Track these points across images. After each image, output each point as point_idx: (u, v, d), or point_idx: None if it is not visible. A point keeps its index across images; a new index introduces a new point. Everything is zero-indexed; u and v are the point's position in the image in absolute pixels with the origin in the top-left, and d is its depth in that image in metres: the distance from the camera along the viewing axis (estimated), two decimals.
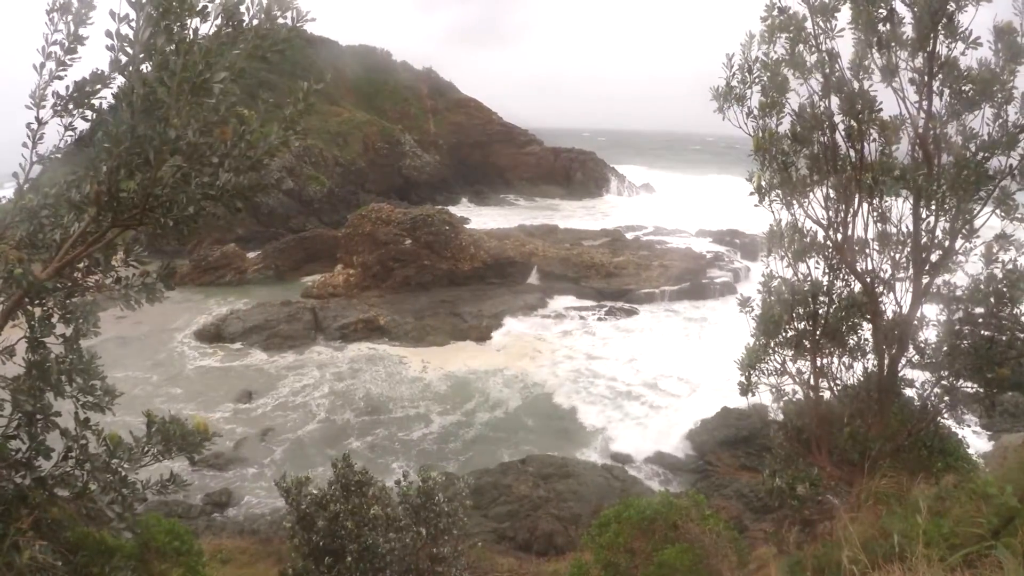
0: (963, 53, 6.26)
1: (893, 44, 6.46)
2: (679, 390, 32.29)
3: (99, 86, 3.15)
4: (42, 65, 3.12)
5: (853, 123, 6.75)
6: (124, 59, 2.94)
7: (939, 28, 6.18)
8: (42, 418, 3.28)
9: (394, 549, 8.18)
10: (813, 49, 6.73)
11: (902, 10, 6.43)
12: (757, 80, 7.04)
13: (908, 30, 6.43)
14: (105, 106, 3.19)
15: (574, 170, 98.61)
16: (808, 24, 6.74)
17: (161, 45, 2.84)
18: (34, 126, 3.18)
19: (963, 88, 6.30)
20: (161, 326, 39.42)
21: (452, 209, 63.27)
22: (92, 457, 3.36)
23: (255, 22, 2.95)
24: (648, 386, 32.93)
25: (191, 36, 2.89)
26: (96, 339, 3.57)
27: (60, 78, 3.16)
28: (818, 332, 7.72)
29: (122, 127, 2.89)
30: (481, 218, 71.45)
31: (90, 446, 3.40)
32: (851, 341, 7.78)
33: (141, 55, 2.89)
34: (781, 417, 8.50)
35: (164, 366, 35.32)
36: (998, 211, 6.43)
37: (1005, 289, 6.44)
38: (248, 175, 3.06)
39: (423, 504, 8.69)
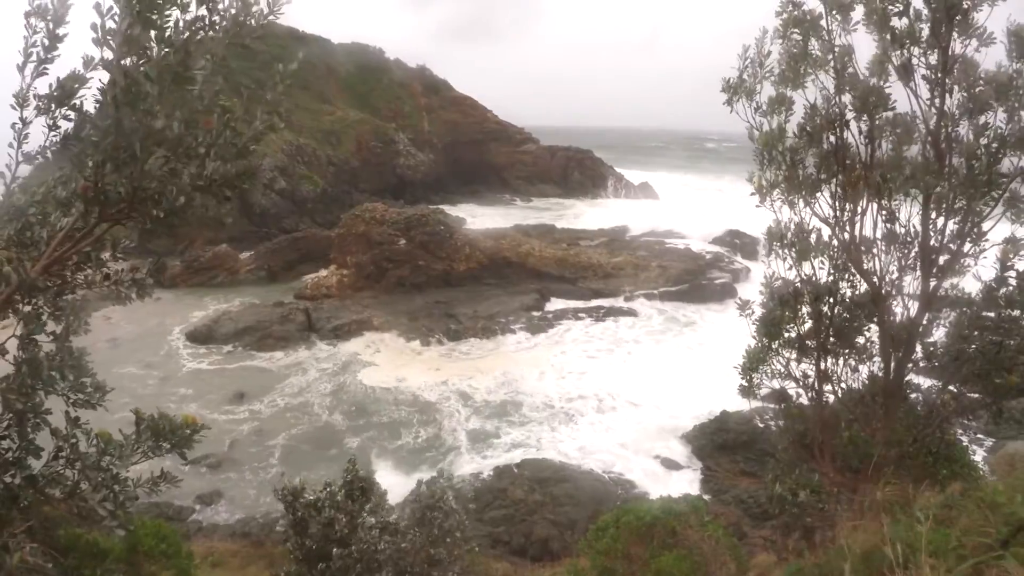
0: (977, 51, 6.19)
1: (907, 41, 6.37)
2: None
3: (77, 85, 3.14)
4: (23, 65, 3.10)
5: (865, 120, 6.67)
6: (108, 54, 2.93)
7: (954, 24, 6.09)
8: (32, 416, 3.21)
9: (390, 556, 8.08)
10: (827, 44, 6.65)
11: (918, 4, 6.35)
12: (768, 75, 6.95)
13: (923, 27, 6.36)
14: (88, 104, 3.19)
15: (571, 169, 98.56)
16: (823, 20, 6.69)
17: (139, 36, 2.78)
18: (18, 126, 3.16)
19: (977, 88, 6.23)
20: (152, 328, 39.20)
21: (447, 209, 63.05)
22: (83, 456, 3.30)
23: (232, 11, 2.92)
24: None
25: (171, 26, 2.84)
26: (87, 342, 3.52)
27: (45, 74, 3.14)
28: (823, 333, 7.62)
29: (107, 121, 2.87)
30: (477, 218, 71.19)
31: (80, 445, 3.34)
32: (857, 342, 7.67)
33: (123, 48, 2.84)
34: (776, 422, 8.41)
35: (156, 368, 35.05)
36: (1008, 214, 6.34)
37: (1017, 294, 6.36)
38: (236, 163, 3.00)
39: (431, 505, 8.61)
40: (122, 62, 2.82)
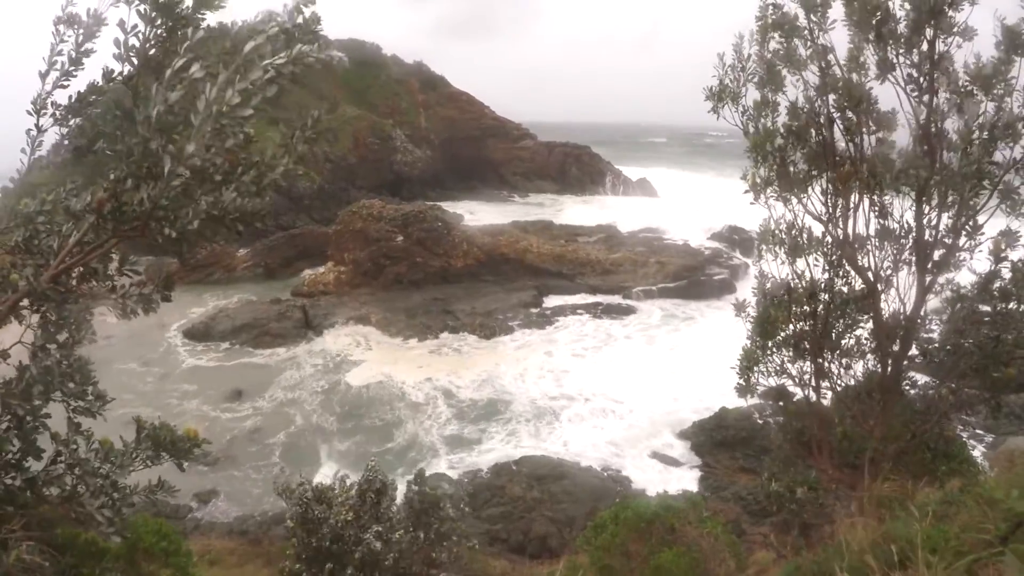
0: (959, 46, 6.24)
1: (890, 41, 6.43)
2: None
3: (95, 97, 3.14)
4: (46, 73, 3.08)
5: (851, 116, 6.70)
6: (128, 69, 2.91)
7: (932, 22, 6.14)
8: (31, 421, 3.20)
9: (392, 553, 8.08)
10: (808, 44, 6.69)
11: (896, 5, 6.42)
12: (751, 78, 6.99)
13: (902, 27, 6.42)
14: (104, 116, 3.17)
15: (569, 165, 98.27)
16: (801, 20, 6.73)
17: (190, 69, 2.78)
18: (33, 133, 3.16)
19: (962, 84, 6.27)
20: (149, 325, 39.00)
21: (445, 205, 62.92)
22: (82, 461, 3.29)
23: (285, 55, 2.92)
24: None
25: (221, 66, 2.84)
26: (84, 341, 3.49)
27: (64, 87, 3.13)
28: (818, 332, 7.62)
29: (135, 141, 2.84)
30: (474, 214, 71.14)
31: (80, 451, 3.33)
32: (850, 341, 7.68)
33: (172, 81, 2.84)
34: (774, 419, 8.41)
35: (155, 365, 35.05)
36: (1003, 206, 6.36)
37: (1012, 287, 6.37)
38: (252, 200, 3.02)
39: (424, 510, 8.59)
40: (165, 87, 2.82)
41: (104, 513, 3.21)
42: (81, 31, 3.03)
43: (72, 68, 3.09)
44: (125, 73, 2.95)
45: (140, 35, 2.85)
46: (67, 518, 3.31)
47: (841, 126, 6.89)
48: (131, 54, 2.86)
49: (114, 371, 31.63)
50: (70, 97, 3.13)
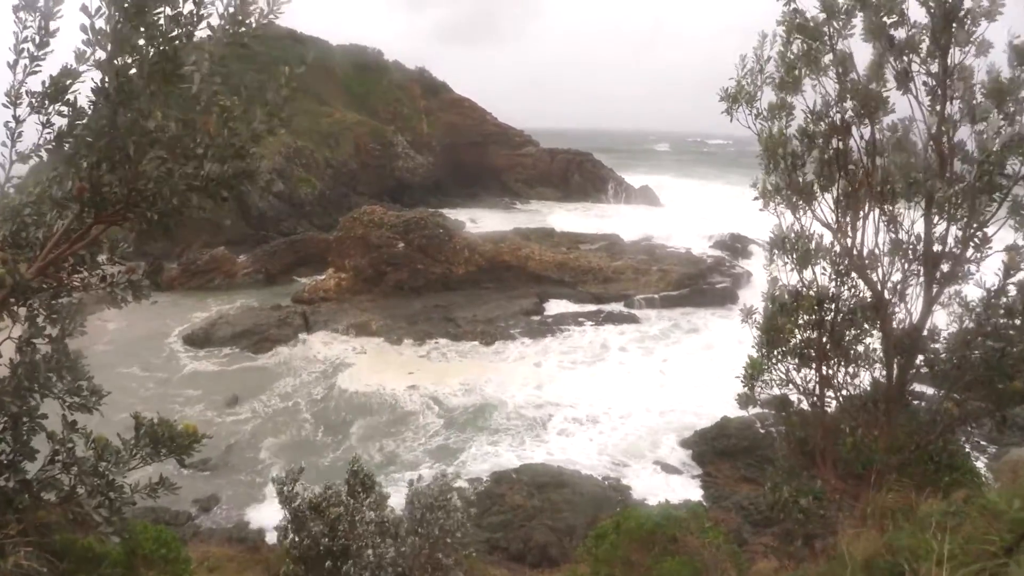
0: (976, 57, 6.21)
1: (907, 50, 6.40)
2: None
3: (70, 81, 3.12)
4: (15, 62, 3.08)
5: (867, 124, 6.67)
6: (99, 52, 2.92)
7: (952, 33, 6.11)
8: (28, 420, 3.20)
9: (397, 560, 8.04)
10: (828, 49, 6.66)
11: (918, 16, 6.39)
12: (769, 81, 6.95)
13: (924, 37, 6.40)
14: (82, 101, 3.18)
15: (571, 172, 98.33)
16: (825, 27, 6.71)
17: (129, 34, 2.77)
18: (12, 124, 3.15)
19: (976, 100, 6.25)
20: (150, 331, 39.09)
21: (446, 211, 63.01)
22: (79, 460, 3.29)
23: (230, 10, 2.89)
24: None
25: (161, 23, 2.82)
26: (85, 345, 3.50)
27: (36, 72, 3.12)
28: (824, 340, 7.57)
29: (101, 121, 2.81)
30: (476, 221, 71.11)
31: (77, 449, 3.33)
32: (858, 350, 7.62)
33: (115, 47, 2.83)
34: (778, 428, 8.37)
35: (156, 371, 35.01)
36: (1012, 222, 6.32)
37: (1018, 304, 6.32)
38: (233, 163, 2.98)
39: (431, 505, 8.54)
40: (114, 61, 2.79)
41: (101, 513, 3.21)
42: (41, 12, 3.02)
43: (40, 52, 3.08)
44: (97, 56, 2.93)
45: (105, 17, 2.84)
46: (65, 521, 3.29)
47: (858, 135, 6.86)
48: (99, 37, 2.85)
49: (116, 375, 31.60)
50: (43, 83, 3.12)
